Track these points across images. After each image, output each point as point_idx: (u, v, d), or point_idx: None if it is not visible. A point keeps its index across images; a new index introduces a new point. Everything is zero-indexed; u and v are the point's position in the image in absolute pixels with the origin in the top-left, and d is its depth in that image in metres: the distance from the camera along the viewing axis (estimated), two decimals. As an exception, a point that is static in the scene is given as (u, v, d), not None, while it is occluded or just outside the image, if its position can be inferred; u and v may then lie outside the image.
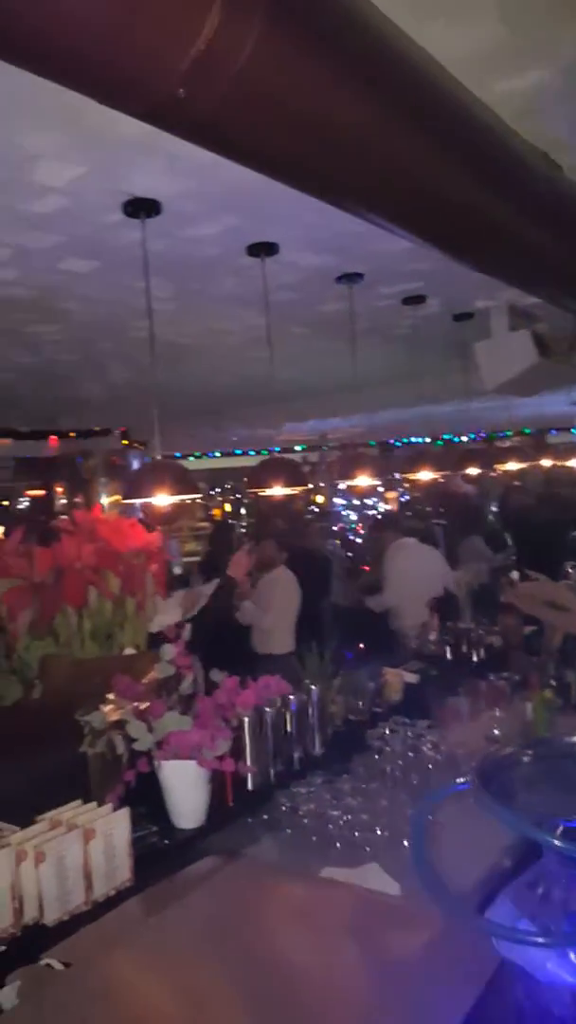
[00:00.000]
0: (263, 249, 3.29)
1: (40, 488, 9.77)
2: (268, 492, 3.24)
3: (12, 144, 2.33)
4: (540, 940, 1.09)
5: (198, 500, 16.85)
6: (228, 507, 15.37)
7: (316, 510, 13.67)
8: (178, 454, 12.05)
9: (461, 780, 1.24)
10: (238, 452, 14.16)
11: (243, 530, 10.34)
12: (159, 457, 3.03)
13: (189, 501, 16.83)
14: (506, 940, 1.08)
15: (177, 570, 7.71)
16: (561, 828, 1.06)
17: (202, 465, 15.29)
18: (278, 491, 3.23)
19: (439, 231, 2.06)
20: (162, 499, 2.66)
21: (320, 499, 14.22)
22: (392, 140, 1.63)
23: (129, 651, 2.65)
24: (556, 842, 1.05)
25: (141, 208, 2.74)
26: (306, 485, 3.34)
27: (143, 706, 2.37)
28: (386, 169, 1.62)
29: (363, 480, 3.82)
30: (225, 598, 4.30)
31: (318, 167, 1.52)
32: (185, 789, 2.40)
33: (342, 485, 3.61)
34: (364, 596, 5.94)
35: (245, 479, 3.32)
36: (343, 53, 1.33)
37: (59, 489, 9.60)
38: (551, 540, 6.48)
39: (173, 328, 4.98)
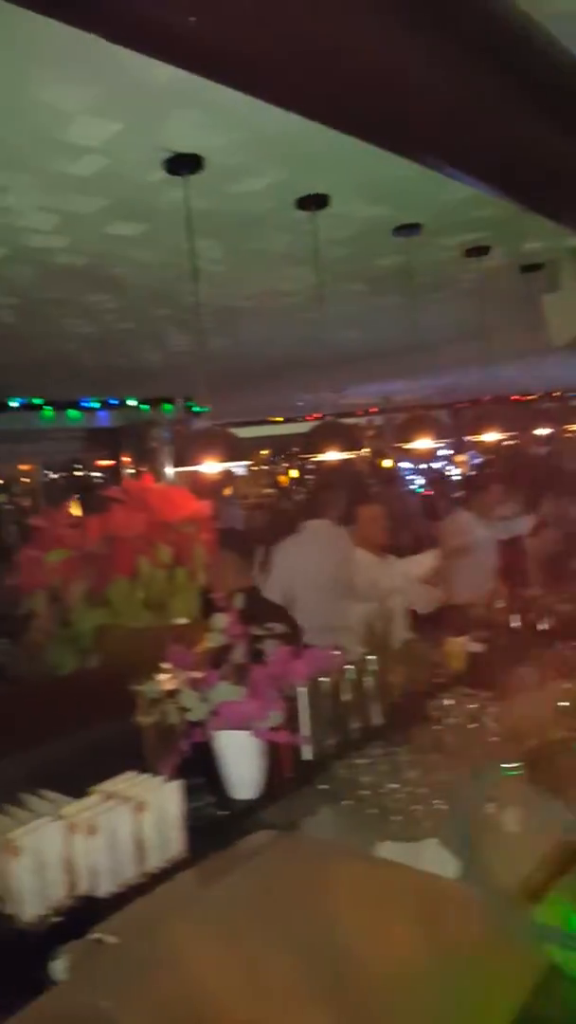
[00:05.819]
0: (313, 202, 3.14)
1: (108, 459, 9.91)
2: (322, 457, 3.14)
3: (39, 101, 2.23)
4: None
5: (263, 468, 16.80)
6: (295, 473, 15.25)
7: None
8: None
9: (514, 764, 1.15)
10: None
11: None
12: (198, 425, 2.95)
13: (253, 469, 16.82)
14: (551, 944, 0.98)
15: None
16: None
17: (267, 432, 15.16)
18: (333, 456, 3.13)
19: (484, 169, 1.87)
20: (210, 466, 2.61)
21: (388, 463, 13.95)
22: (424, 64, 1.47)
23: (180, 620, 2.62)
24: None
25: (183, 164, 2.64)
26: (360, 449, 3.22)
27: (197, 676, 2.34)
28: (414, 96, 1.47)
29: (423, 443, 3.66)
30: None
31: (337, 102, 1.38)
32: (240, 760, 2.36)
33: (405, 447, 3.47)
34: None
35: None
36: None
37: (126, 459, 9.72)
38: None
39: (227, 291, 4.87)
